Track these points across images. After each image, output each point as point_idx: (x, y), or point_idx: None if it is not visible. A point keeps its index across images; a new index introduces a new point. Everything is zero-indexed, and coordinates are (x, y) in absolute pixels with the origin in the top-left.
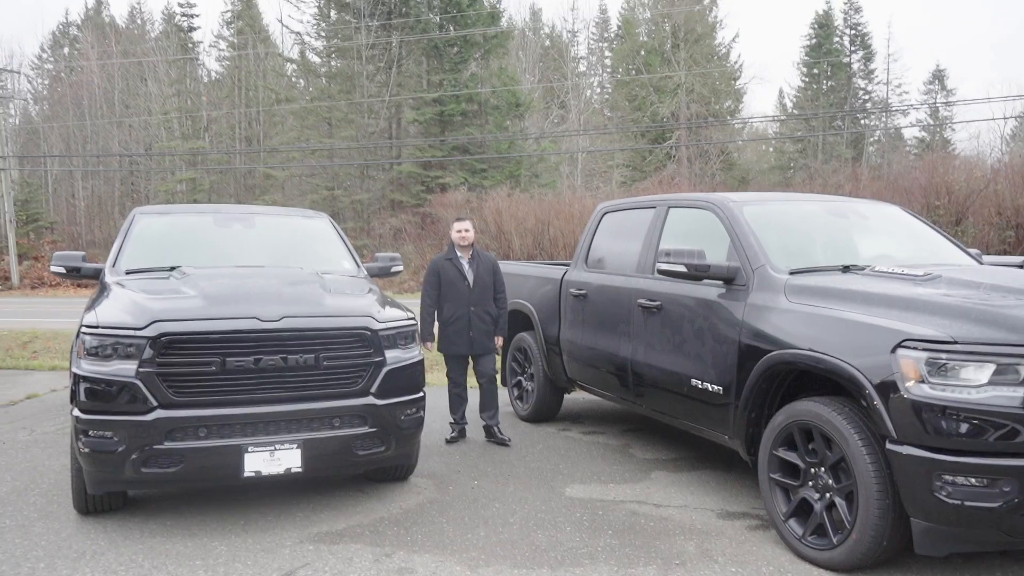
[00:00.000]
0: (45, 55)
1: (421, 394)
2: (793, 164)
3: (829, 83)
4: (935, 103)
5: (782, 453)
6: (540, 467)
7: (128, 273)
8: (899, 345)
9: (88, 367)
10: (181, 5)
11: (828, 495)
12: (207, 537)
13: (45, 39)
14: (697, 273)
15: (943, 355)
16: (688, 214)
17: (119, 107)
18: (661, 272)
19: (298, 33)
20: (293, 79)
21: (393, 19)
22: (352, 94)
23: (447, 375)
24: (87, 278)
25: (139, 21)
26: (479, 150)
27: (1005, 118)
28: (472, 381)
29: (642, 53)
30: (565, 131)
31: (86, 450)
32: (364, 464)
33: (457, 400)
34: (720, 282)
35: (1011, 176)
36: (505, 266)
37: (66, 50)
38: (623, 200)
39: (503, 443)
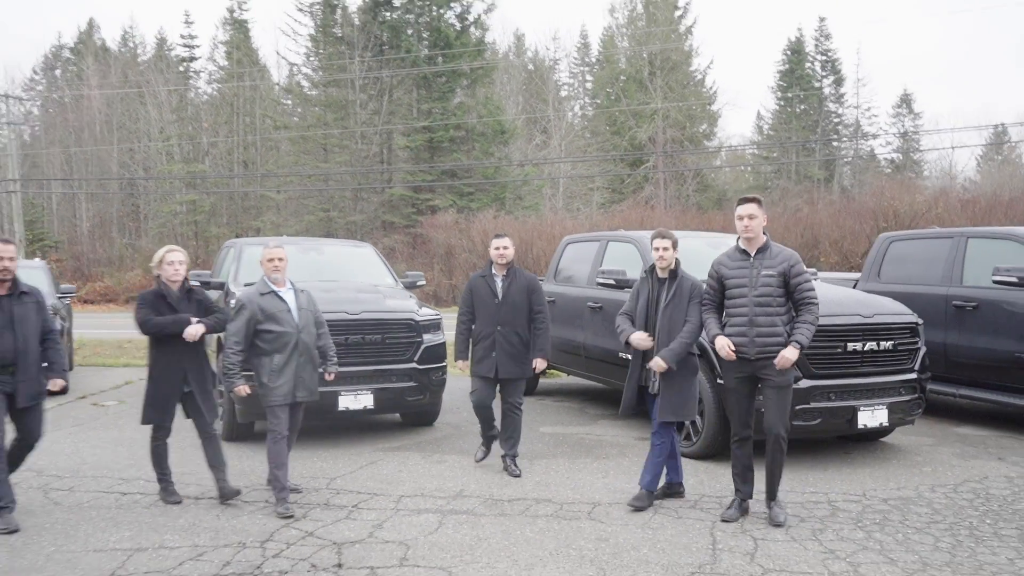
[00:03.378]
0: (37, 76)
1: (445, 363)
2: (770, 184)
3: (802, 106)
4: (894, 134)
5: None
6: (523, 420)
7: (246, 285)
8: None
9: None
10: (183, 36)
11: None
12: (313, 448)
13: (38, 62)
14: (621, 284)
15: None
16: (620, 246)
17: (118, 130)
18: (600, 284)
19: (295, 64)
20: (288, 106)
21: (385, 52)
22: (346, 121)
23: (470, 393)
24: (214, 288)
25: (131, 44)
26: (466, 174)
27: (952, 148)
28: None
29: (621, 79)
30: (547, 157)
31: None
32: (410, 407)
33: (484, 425)
34: None
35: (949, 202)
36: None
37: (58, 72)
38: (579, 235)
39: (513, 475)
